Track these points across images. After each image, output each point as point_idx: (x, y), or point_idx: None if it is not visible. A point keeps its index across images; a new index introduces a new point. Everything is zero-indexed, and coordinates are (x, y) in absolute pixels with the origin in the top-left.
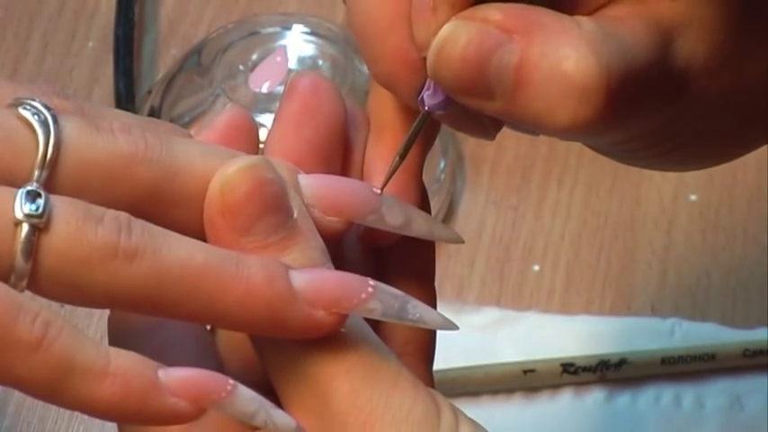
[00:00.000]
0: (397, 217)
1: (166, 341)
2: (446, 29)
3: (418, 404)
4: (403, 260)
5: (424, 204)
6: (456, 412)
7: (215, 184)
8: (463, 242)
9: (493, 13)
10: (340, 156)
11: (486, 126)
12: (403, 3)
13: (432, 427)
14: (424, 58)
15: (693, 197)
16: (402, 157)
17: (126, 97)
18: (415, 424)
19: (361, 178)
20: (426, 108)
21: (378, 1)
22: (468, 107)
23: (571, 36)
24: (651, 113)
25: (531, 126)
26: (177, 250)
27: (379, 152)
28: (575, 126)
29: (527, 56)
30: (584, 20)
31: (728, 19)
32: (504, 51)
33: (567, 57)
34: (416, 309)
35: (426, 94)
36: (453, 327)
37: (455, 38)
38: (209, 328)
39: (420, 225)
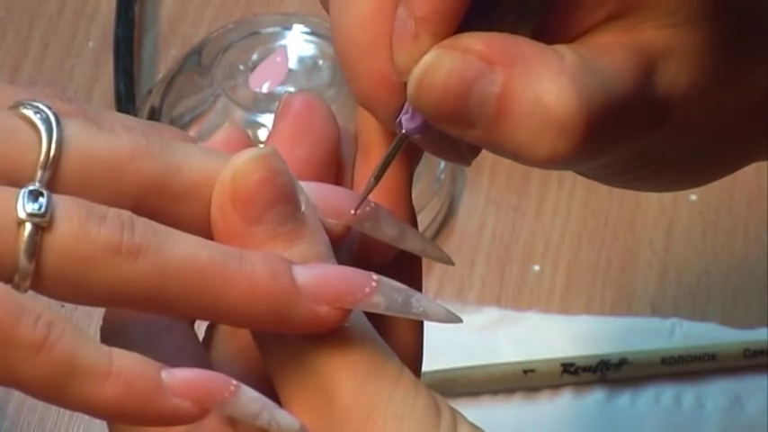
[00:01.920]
0: (392, 228)
1: (160, 356)
2: (428, 58)
3: (420, 402)
4: (391, 275)
5: (413, 224)
6: (454, 412)
7: (227, 172)
8: (453, 264)
9: (475, 42)
10: (333, 174)
11: (464, 152)
12: (385, 25)
13: (432, 425)
14: (404, 82)
15: (693, 197)
16: (377, 178)
17: (126, 97)
18: (417, 420)
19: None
20: (404, 131)
21: (359, 22)
22: (448, 134)
23: (552, 68)
24: (631, 141)
25: (510, 155)
26: (180, 247)
27: (367, 173)
28: (553, 159)
29: (508, 87)
30: (565, 51)
31: (713, 47)
32: (486, 82)
33: (547, 90)
34: (420, 302)
35: (404, 118)
36: (457, 320)
37: (437, 67)
38: (202, 340)
39: (414, 240)
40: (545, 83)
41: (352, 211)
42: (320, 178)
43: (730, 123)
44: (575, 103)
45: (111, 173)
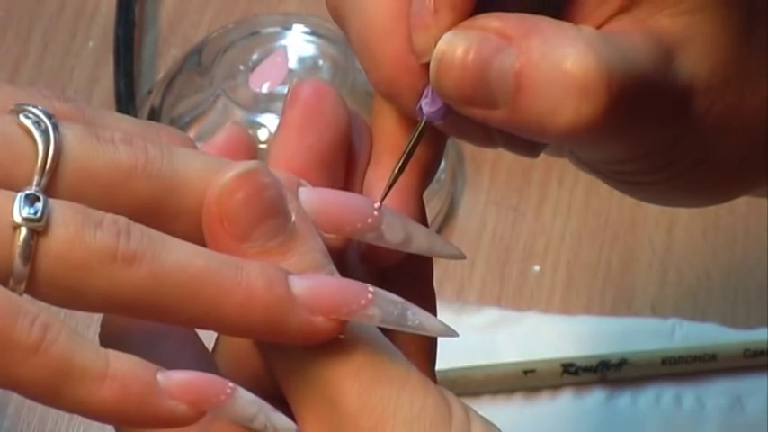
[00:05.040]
0: (397, 234)
1: (161, 358)
2: (446, 37)
3: (429, 403)
4: (402, 276)
5: (422, 222)
6: (467, 410)
7: (212, 191)
8: (464, 257)
9: (491, 21)
10: (344, 161)
11: (491, 133)
12: (403, 8)
13: (444, 426)
14: (424, 65)
15: None
16: (401, 169)
17: (126, 97)
18: (427, 422)
19: (363, 186)
20: (425, 116)
21: (378, 6)
22: (473, 119)
23: (570, 37)
24: (654, 127)
25: (534, 132)
26: (176, 255)
27: (379, 174)
28: (578, 125)
29: (526, 58)
30: (583, 25)
31: (730, 35)
32: (504, 56)
33: (566, 55)
34: (416, 315)
35: (424, 102)
36: (453, 333)
37: (454, 47)
38: (210, 348)
39: (420, 241)
40: (563, 50)
41: (376, 205)
42: (330, 165)
43: (748, 127)
44: (594, 66)
45: (107, 190)
